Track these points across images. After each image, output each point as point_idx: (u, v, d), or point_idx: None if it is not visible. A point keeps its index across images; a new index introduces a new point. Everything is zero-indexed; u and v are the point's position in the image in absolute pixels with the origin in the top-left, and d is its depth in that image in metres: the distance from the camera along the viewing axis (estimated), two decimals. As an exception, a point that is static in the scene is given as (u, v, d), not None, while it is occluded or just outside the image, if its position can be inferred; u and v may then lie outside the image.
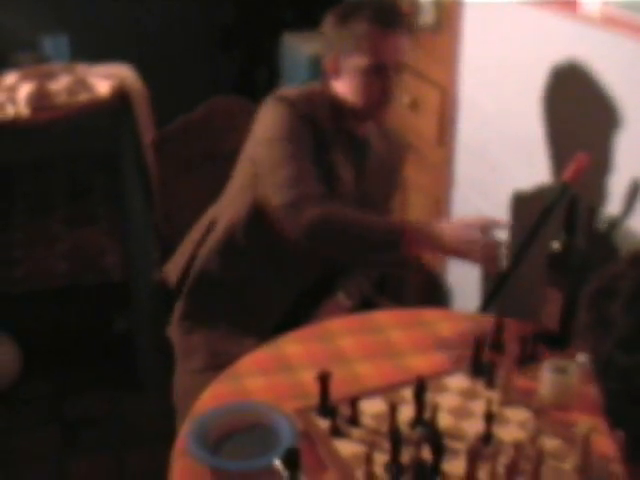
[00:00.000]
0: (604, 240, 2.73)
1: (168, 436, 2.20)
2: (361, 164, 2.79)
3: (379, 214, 2.73)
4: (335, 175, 2.68)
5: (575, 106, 2.81)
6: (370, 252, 2.51)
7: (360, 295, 2.92)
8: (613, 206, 2.68)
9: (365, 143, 2.80)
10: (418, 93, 3.63)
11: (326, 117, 2.69)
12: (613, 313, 1.07)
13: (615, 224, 2.68)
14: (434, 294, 3.77)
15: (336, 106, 2.70)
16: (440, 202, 3.64)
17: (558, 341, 2.39)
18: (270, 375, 2.25)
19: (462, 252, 2.40)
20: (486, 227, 2.42)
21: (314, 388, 2.09)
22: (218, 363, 2.52)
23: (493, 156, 3.29)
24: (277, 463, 1.70)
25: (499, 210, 3.31)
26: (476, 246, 2.38)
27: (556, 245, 2.34)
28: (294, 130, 2.59)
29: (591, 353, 1.12)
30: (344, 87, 2.68)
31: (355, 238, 2.47)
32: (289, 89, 2.74)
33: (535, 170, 3.04)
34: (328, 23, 2.69)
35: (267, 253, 2.71)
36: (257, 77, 5.66)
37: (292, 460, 1.68)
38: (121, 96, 3.59)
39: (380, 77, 2.61)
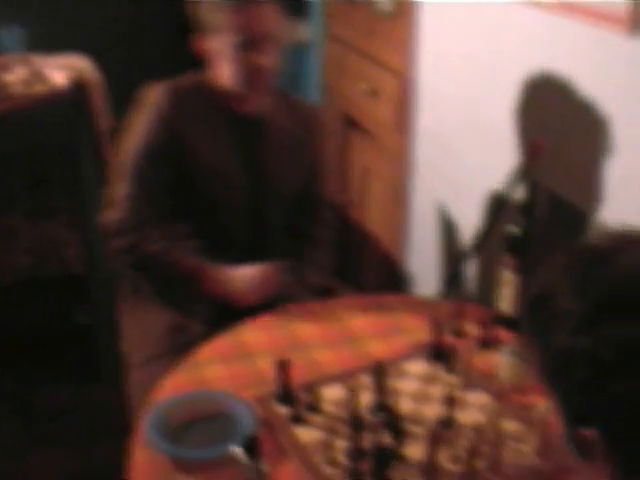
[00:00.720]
0: (561, 223, 2.75)
1: (130, 427, 2.19)
2: (255, 145, 2.75)
3: (288, 195, 2.79)
4: (212, 167, 2.67)
5: (534, 91, 2.82)
6: (173, 285, 2.66)
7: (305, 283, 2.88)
8: (570, 191, 2.70)
9: (258, 121, 2.74)
10: (376, 80, 3.63)
11: (206, 106, 2.68)
12: (562, 305, 1.07)
13: (572, 207, 2.70)
14: (394, 280, 3.78)
15: (215, 90, 2.67)
16: (399, 190, 3.64)
17: (516, 324, 2.40)
18: (229, 363, 2.24)
19: (241, 301, 2.58)
20: (269, 277, 2.60)
21: (273, 375, 2.08)
22: (171, 349, 2.54)
23: (453, 143, 3.30)
24: (237, 451, 1.69)
25: (457, 195, 3.32)
26: (253, 297, 2.57)
27: (514, 229, 2.35)
28: (153, 147, 2.63)
29: (544, 357, 1.10)
30: (217, 68, 2.64)
31: (159, 271, 2.64)
32: (169, 82, 2.71)
33: (494, 155, 3.05)
34: (190, 4, 2.65)
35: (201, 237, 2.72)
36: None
37: (252, 448, 1.67)
38: (77, 87, 3.56)
39: (250, 52, 2.56)
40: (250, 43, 2.55)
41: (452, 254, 3.41)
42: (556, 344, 1.06)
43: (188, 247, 2.66)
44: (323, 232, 2.96)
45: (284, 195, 2.81)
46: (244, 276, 2.59)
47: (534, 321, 1.12)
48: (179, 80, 2.71)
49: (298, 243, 2.90)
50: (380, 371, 2.05)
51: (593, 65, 2.54)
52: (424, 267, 3.62)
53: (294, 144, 2.81)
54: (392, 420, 1.92)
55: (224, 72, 2.62)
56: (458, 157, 3.28)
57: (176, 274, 2.62)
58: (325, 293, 2.88)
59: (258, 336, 2.36)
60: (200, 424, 2.01)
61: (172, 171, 2.64)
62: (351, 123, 3.90)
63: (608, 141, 2.52)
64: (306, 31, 4.17)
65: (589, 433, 1.04)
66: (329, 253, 2.98)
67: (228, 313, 2.61)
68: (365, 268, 3.99)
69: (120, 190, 2.66)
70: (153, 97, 2.66)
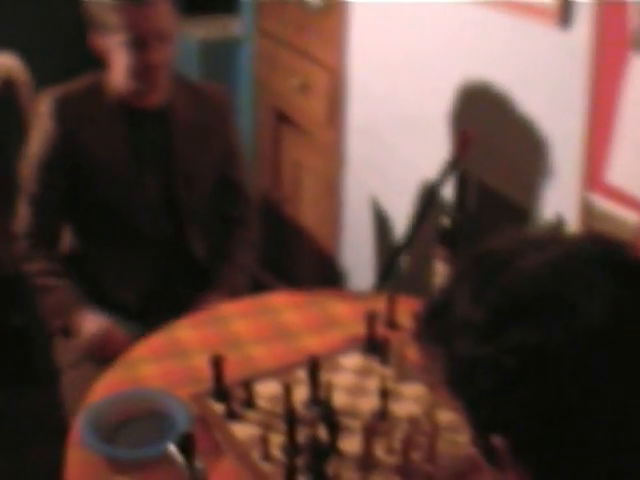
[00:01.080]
0: (492, 214, 2.77)
1: (66, 429, 2.16)
2: (161, 138, 2.76)
3: (207, 184, 2.83)
4: (109, 168, 2.69)
5: (464, 85, 2.84)
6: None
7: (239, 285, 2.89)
8: (501, 181, 2.72)
9: (161, 114, 2.75)
10: (308, 75, 3.63)
11: (102, 106, 2.69)
12: (461, 313, 1.05)
13: (503, 198, 2.72)
14: (328, 274, 3.78)
15: (112, 89, 2.68)
16: (332, 184, 3.64)
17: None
18: (163, 361, 2.22)
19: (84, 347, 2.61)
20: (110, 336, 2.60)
21: (208, 372, 2.07)
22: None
23: (385, 136, 3.31)
24: (173, 449, 1.68)
25: (391, 189, 3.33)
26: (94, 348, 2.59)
27: (446, 221, 2.36)
28: (46, 156, 2.67)
29: (447, 365, 1.08)
30: (112, 67, 2.65)
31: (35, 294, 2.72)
32: (66, 87, 2.73)
33: (426, 148, 3.06)
34: (84, 3, 2.66)
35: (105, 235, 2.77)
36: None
37: (187, 446, 1.66)
38: (6, 85, 3.51)
39: (141, 50, 2.57)
40: (141, 41, 2.56)
41: (386, 247, 3.42)
42: (458, 353, 1.04)
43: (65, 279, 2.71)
44: (248, 213, 2.99)
45: (198, 184, 2.81)
46: (88, 330, 2.61)
47: (434, 329, 1.10)
48: (72, 84, 2.73)
49: (226, 228, 2.94)
50: (315, 365, 2.05)
51: (523, 58, 2.57)
52: (358, 261, 3.63)
53: (203, 131, 2.81)
54: (327, 414, 1.92)
55: (118, 70, 2.63)
56: (391, 151, 3.29)
57: (41, 301, 2.71)
58: (258, 288, 2.87)
59: (191, 333, 2.34)
60: (135, 423, 1.99)
61: (69, 178, 2.68)
62: (283, 118, 3.89)
63: (538, 133, 2.55)
64: (237, 27, 4.15)
65: (497, 442, 1.02)
66: (257, 232, 3.02)
67: (154, 309, 2.66)
68: (299, 263, 3.98)
69: (21, 198, 2.75)
70: (43, 106, 2.68)
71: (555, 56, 2.45)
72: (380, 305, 2.39)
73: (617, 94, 2.24)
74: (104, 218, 2.73)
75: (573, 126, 2.39)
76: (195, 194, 2.81)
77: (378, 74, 3.28)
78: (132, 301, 2.75)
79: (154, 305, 2.75)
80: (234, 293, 2.76)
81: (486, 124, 2.75)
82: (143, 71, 2.60)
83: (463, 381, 1.05)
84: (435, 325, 1.10)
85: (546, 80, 2.51)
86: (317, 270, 3.87)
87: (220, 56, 4.11)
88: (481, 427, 1.05)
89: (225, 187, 2.91)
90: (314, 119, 3.66)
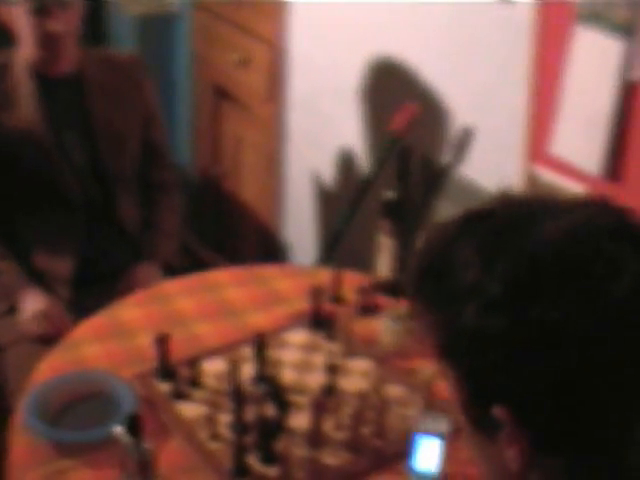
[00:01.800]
0: (436, 187, 2.77)
1: (8, 411, 2.12)
2: (78, 104, 2.78)
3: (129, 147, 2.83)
4: (24, 137, 2.69)
5: (405, 57, 2.83)
6: None
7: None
8: (445, 154, 2.72)
9: (75, 81, 2.77)
10: (247, 50, 3.58)
11: (11, 79, 2.69)
12: (469, 278, 0.98)
13: (447, 171, 2.72)
14: (271, 250, 3.76)
15: (23, 61, 2.69)
16: (272, 159, 3.62)
17: (395, 289, 2.41)
18: (107, 341, 2.19)
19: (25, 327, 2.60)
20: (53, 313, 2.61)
21: (152, 352, 2.05)
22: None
23: (325, 110, 3.29)
24: (119, 431, 1.65)
25: (331, 162, 3.31)
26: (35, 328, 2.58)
27: (389, 194, 2.35)
28: None
29: (445, 332, 1.02)
30: (19, 38, 2.68)
31: None
32: None
33: (368, 121, 3.05)
34: None
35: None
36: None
37: (134, 427, 1.63)
38: None
39: (44, 18, 2.59)
40: (42, 8, 2.56)
41: (327, 221, 3.41)
42: (462, 321, 0.98)
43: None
44: (171, 179, 3.02)
45: (123, 147, 2.83)
46: (28, 310, 2.61)
47: (431, 290, 1.04)
48: None
49: (150, 195, 2.95)
50: (261, 342, 2.03)
51: (467, 31, 2.56)
52: (300, 236, 3.61)
53: (118, 95, 2.83)
54: (275, 391, 1.90)
55: (24, 40, 2.65)
56: (331, 124, 3.28)
57: None
58: (201, 265, 2.86)
59: (135, 313, 2.31)
60: (79, 405, 1.96)
61: None
62: (222, 94, 3.85)
63: (482, 106, 2.55)
64: (173, 1, 4.09)
65: (499, 413, 0.99)
66: (181, 198, 3.03)
67: (89, 278, 2.67)
68: (241, 239, 3.95)
69: None
70: None
71: (499, 29, 2.44)
72: (324, 280, 2.38)
73: (561, 67, 2.24)
74: (32, 185, 2.73)
75: (518, 99, 2.39)
76: (122, 158, 2.83)
77: (318, 47, 3.25)
78: (66, 269, 2.73)
79: (89, 273, 2.74)
80: (165, 262, 2.79)
81: (429, 97, 2.74)
82: (47, 39, 2.62)
83: (465, 350, 1.00)
84: (433, 286, 1.04)
85: (490, 54, 2.51)
86: (259, 245, 3.85)
87: (157, 31, 4.04)
88: (481, 397, 1.02)
89: (146, 151, 2.93)
90: (254, 94, 3.62)
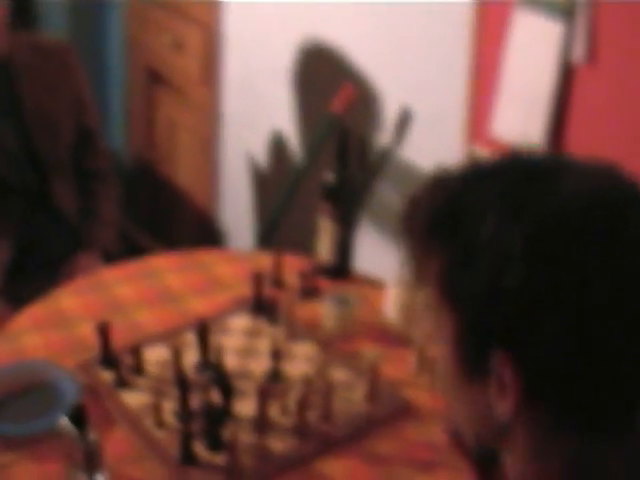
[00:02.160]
0: (376, 169, 2.77)
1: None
2: (8, 88, 2.75)
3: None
4: None
5: (340, 38, 2.82)
6: None
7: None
8: (384, 135, 2.72)
9: (3, 68, 2.74)
10: (181, 33, 3.55)
11: None
12: (488, 226, 0.99)
13: (387, 152, 2.72)
14: (208, 234, 3.73)
15: None
16: (208, 141, 3.59)
17: (336, 272, 2.40)
18: (47, 331, 2.15)
19: None
20: None
21: (94, 340, 2.02)
22: None
23: (260, 92, 3.27)
24: (63, 422, 1.62)
25: (268, 145, 3.30)
26: None
27: (329, 177, 2.34)
28: None
29: (454, 275, 1.02)
30: None
31: None
32: None
33: (304, 103, 3.04)
34: None
35: None
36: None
37: (78, 417, 1.60)
38: None
39: None
40: None
41: (264, 205, 3.40)
42: (478, 268, 0.99)
43: None
44: (107, 166, 2.99)
45: (58, 132, 2.81)
46: None
47: (445, 235, 1.03)
48: None
49: (87, 184, 2.93)
50: (203, 328, 2.01)
51: (402, 12, 2.56)
52: (237, 219, 3.59)
53: (49, 80, 2.81)
54: (219, 377, 1.89)
55: None
56: (266, 107, 3.26)
57: None
58: (138, 251, 2.83)
59: (74, 301, 2.27)
60: (21, 397, 1.93)
61: None
62: (156, 77, 3.81)
63: (422, 87, 2.55)
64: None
65: (498, 356, 1.00)
66: (118, 185, 3.02)
67: (27, 265, 2.65)
68: (178, 223, 3.92)
69: None
70: None
71: (439, 12, 2.45)
72: (264, 264, 2.37)
73: (502, 49, 2.25)
74: None
75: (458, 81, 2.40)
76: (56, 144, 2.80)
77: (252, 29, 3.23)
78: (2, 256, 2.69)
79: (27, 261, 2.71)
80: (105, 251, 2.75)
81: (365, 79, 2.73)
82: None
83: (477, 297, 1.00)
84: (448, 230, 1.03)
85: (430, 36, 2.51)
86: (196, 230, 3.82)
87: (89, 15, 3.98)
88: (482, 341, 1.02)
89: (80, 138, 2.90)
90: (188, 77, 3.59)
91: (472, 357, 1.04)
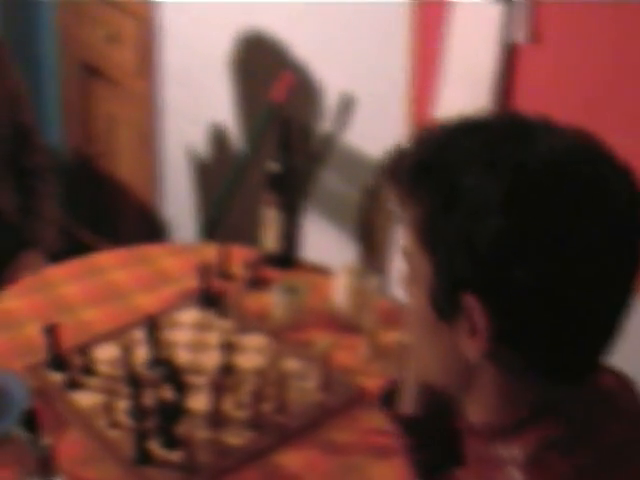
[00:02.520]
0: (320, 157, 2.76)
1: None
2: None
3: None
4: None
5: (279, 26, 2.80)
6: None
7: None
8: (326, 123, 2.71)
9: None
10: (117, 25, 3.50)
11: None
12: (469, 179, 1.03)
13: (330, 139, 2.71)
14: (150, 228, 3.70)
15: None
16: (148, 134, 3.55)
17: (283, 261, 2.39)
18: (-8, 334, 2.12)
19: None
20: None
21: (42, 342, 1.98)
22: None
23: (199, 83, 3.24)
24: (14, 427, 1.60)
25: (208, 136, 3.28)
26: None
27: (273, 166, 2.32)
28: None
29: (431, 221, 1.06)
30: None
31: None
32: None
33: (244, 93, 3.02)
34: None
35: None
36: None
37: (30, 422, 1.58)
38: None
39: None
40: None
41: (207, 196, 3.38)
42: (456, 214, 1.03)
43: None
44: (44, 164, 2.93)
45: None
46: None
47: (426, 184, 1.06)
48: None
49: (25, 182, 2.86)
50: (152, 324, 2.00)
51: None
52: (180, 212, 3.57)
53: None
54: (171, 373, 1.87)
55: None
56: (205, 98, 3.24)
57: None
58: (82, 249, 2.80)
59: (19, 302, 2.24)
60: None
61: None
62: (91, 71, 3.76)
63: (364, 73, 2.55)
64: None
65: (468, 299, 1.04)
66: (56, 183, 2.95)
67: None
68: (120, 218, 3.89)
69: None
70: None
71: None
72: (210, 256, 2.36)
73: (443, 32, 2.26)
74: None
75: (399, 66, 2.40)
76: None
77: (189, 20, 3.20)
78: None
79: None
80: (48, 250, 2.70)
81: (304, 68, 2.72)
82: None
83: (453, 242, 1.04)
84: (430, 180, 1.06)
85: (370, 21, 2.50)
86: (139, 224, 3.79)
87: (20, 9, 3.91)
88: (453, 285, 1.05)
89: (16, 135, 2.83)
90: (125, 69, 3.55)
91: (444, 299, 1.07)
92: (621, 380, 1.20)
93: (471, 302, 1.03)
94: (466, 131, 1.09)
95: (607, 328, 1.07)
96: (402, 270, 1.17)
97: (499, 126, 1.10)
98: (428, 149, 1.10)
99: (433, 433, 1.42)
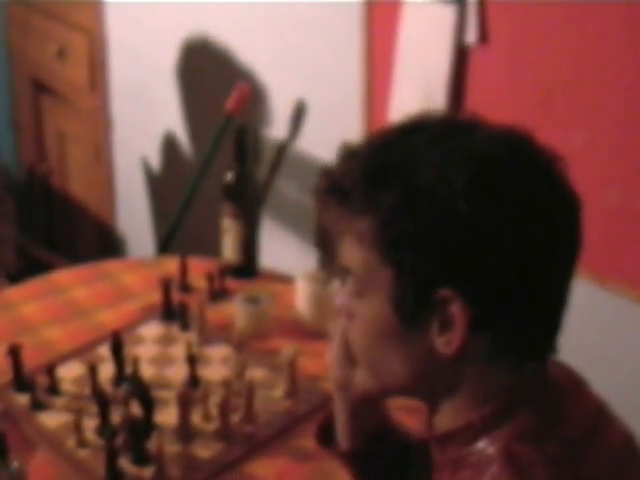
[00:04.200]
0: (275, 164, 2.76)
1: None
2: None
3: None
4: None
5: (227, 35, 2.80)
6: None
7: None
8: (279, 130, 2.72)
9: None
10: (65, 41, 3.49)
11: None
12: (425, 177, 1.05)
13: (284, 147, 2.72)
14: (106, 243, 3.69)
15: None
16: (100, 149, 3.54)
17: (244, 272, 2.39)
18: (-46, 358, 2.10)
19: None
20: None
21: (5, 363, 1.97)
22: None
23: (150, 95, 3.24)
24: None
25: (160, 148, 3.27)
26: None
27: (229, 176, 2.33)
28: None
29: (385, 233, 1.07)
30: None
31: None
32: None
33: (195, 103, 3.01)
34: None
35: None
36: None
37: (-1, 445, 1.57)
38: None
39: None
40: None
41: (161, 209, 3.37)
42: (419, 211, 1.04)
43: None
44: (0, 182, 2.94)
45: None
46: None
47: (377, 192, 1.07)
48: None
49: None
50: (117, 341, 1.99)
51: (292, 6, 2.56)
52: (136, 226, 3.56)
53: None
54: (138, 389, 1.86)
55: None
56: (156, 110, 3.23)
57: None
58: (40, 268, 2.78)
59: (-20, 325, 2.22)
60: None
61: None
62: (41, 87, 3.74)
63: (318, 79, 2.55)
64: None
65: (444, 293, 1.05)
66: (11, 202, 2.98)
67: None
68: (76, 235, 3.87)
69: None
70: None
71: (330, 4, 2.45)
72: (170, 269, 2.35)
73: (396, 35, 2.27)
74: None
75: (352, 70, 2.41)
76: None
77: (137, 32, 3.20)
78: None
79: None
80: (6, 270, 2.66)
81: (254, 76, 2.73)
82: None
83: (419, 240, 1.06)
84: (379, 186, 1.08)
85: (321, 27, 2.51)
86: (95, 240, 3.77)
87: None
88: (423, 285, 1.07)
89: None
90: (75, 85, 3.54)
91: (412, 302, 1.08)
92: (572, 373, 1.23)
93: (447, 295, 1.05)
94: (408, 132, 1.12)
95: (563, 300, 1.12)
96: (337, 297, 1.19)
97: (437, 124, 1.13)
98: (374, 156, 1.11)
99: (382, 457, 1.41)
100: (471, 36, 2.15)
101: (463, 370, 1.11)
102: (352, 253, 1.12)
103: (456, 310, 1.05)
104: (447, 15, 2.16)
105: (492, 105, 2.19)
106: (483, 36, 2.14)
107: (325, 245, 1.17)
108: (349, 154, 1.14)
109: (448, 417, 1.15)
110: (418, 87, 2.26)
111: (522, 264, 1.06)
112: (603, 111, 2.01)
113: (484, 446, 1.10)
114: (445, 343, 1.08)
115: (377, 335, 1.14)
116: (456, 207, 1.03)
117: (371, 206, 1.08)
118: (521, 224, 1.05)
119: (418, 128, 1.12)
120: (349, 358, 1.23)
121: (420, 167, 1.06)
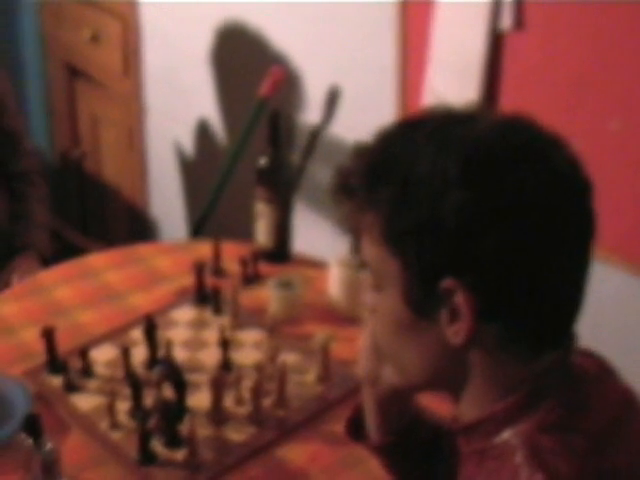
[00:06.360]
0: (309, 149, 2.76)
1: None
2: None
3: None
4: None
5: (261, 19, 2.80)
6: None
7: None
8: (313, 115, 2.71)
9: None
10: (99, 26, 3.50)
11: None
12: (425, 166, 1.06)
13: (318, 132, 2.71)
14: (139, 227, 3.70)
15: None
16: (133, 133, 3.55)
17: (277, 256, 2.40)
18: (-11, 341, 2.11)
19: None
20: None
21: (39, 346, 1.98)
22: None
23: (184, 81, 3.24)
24: (18, 433, 1.59)
25: (193, 134, 3.27)
26: None
27: (263, 161, 2.32)
28: None
29: (390, 224, 1.08)
30: None
31: None
32: None
33: (228, 88, 3.01)
34: None
35: None
36: None
37: (34, 427, 1.58)
38: None
39: None
40: None
41: (194, 194, 3.37)
42: (417, 202, 1.05)
43: None
44: (32, 168, 2.92)
45: None
46: None
47: (382, 184, 1.08)
48: None
49: (14, 188, 2.86)
50: (150, 324, 1.99)
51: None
52: (169, 210, 3.57)
53: None
54: (171, 372, 1.87)
55: None
56: (189, 95, 3.23)
57: None
58: (74, 252, 2.79)
59: (15, 308, 2.23)
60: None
61: None
62: (75, 73, 3.75)
63: (353, 64, 2.54)
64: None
65: (448, 283, 1.05)
66: (45, 186, 2.95)
67: None
68: (109, 219, 3.88)
69: None
70: None
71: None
72: (203, 253, 2.36)
73: (431, 21, 2.26)
74: None
75: (387, 55, 2.40)
76: None
77: (170, 18, 3.20)
78: None
79: None
80: (41, 254, 2.70)
81: (292, 60, 2.72)
82: None
83: (421, 230, 1.06)
84: (384, 179, 1.08)
85: (356, 12, 2.50)
86: (128, 224, 3.79)
87: (2, 11, 3.89)
88: (429, 275, 1.07)
89: (3, 140, 2.83)
90: (109, 70, 3.55)
91: (421, 293, 1.09)
92: (602, 363, 1.22)
93: (451, 285, 1.05)
94: (408, 128, 1.13)
95: (576, 286, 1.11)
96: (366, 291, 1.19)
97: (438, 117, 1.13)
98: (375, 152, 1.12)
99: (412, 447, 1.42)
100: (506, 22, 2.14)
101: (476, 360, 1.11)
102: (367, 248, 1.14)
103: (461, 300, 1.05)
104: (483, 1, 2.15)
105: (526, 91, 2.18)
106: (518, 22, 2.13)
107: (357, 235, 1.18)
108: (357, 152, 1.14)
109: (470, 408, 1.15)
110: (452, 72, 2.25)
111: (522, 249, 1.05)
112: (637, 98, 2.00)
113: (508, 437, 1.10)
114: (454, 333, 1.08)
115: (394, 328, 1.15)
116: (451, 196, 1.03)
117: (374, 202, 1.10)
118: (516, 209, 1.04)
119: (420, 122, 1.12)
120: (377, 354, 1.26)
121: (417, 159, 1.07)
